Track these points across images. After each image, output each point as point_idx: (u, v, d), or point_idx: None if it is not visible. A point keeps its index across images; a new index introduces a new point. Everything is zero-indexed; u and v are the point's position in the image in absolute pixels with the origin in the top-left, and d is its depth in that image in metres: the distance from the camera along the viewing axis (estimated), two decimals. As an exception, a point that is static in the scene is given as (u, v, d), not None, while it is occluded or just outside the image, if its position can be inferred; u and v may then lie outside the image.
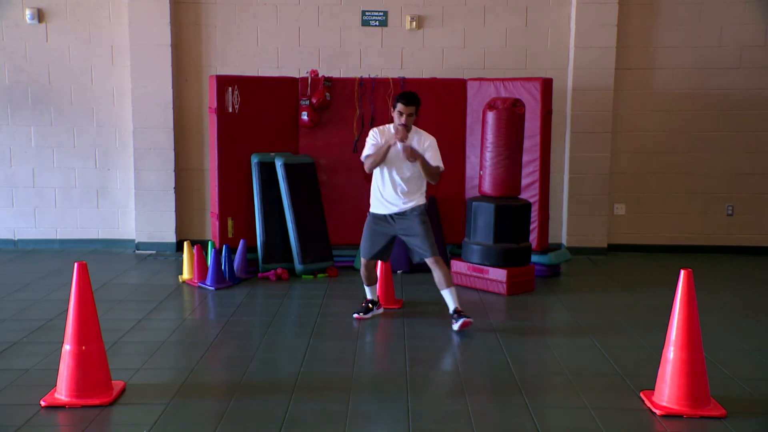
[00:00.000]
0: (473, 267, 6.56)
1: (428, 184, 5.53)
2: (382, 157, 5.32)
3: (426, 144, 5.34)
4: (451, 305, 5.36)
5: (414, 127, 5.40)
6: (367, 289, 5.70)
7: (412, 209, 5.39)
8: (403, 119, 5.27)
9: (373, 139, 5.41)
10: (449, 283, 5.37)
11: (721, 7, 7.92)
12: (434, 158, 5.32)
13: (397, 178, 5.40)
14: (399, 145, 5.28)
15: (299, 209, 7.03)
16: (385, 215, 5.47)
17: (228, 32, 7.92)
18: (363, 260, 5.58)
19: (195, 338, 5.20)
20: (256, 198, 7.05)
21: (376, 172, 5.46)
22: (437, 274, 5.36)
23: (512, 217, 6.46)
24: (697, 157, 8.11)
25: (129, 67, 7.84)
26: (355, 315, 5.60)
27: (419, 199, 5.44)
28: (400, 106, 5.27)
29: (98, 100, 7.99)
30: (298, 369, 4.54)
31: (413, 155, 5.23)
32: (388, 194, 5.43)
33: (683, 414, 3.86)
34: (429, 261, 5.34)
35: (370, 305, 5.69)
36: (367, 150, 5.40)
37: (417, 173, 5.39)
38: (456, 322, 5.27)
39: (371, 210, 5.57)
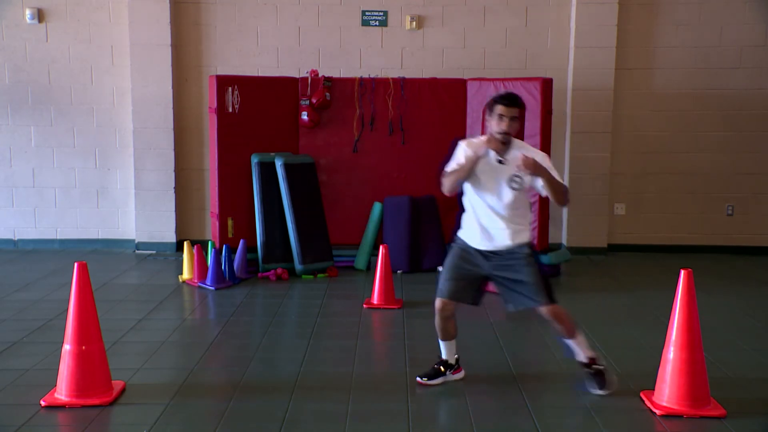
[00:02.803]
0: (473, 267, 6.54)
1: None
2: (466, 173, 4.09)
3: (538, 158, 4.05)
4: (580, 356, 4.22)
5: (515, 140, 4.18)
6: (441, 344, 4.38)
7: (513, 248, 4.15)
8: (504, 125, 4.04)
9: (463, 151, 4.16)
10: (573, 333, 4.20)
11: (721, 7, 7.91)
12: (555, 173, 4.07)
13: (493, 203, 4.14)
14: (491, 154, 4.09)
15: (299, 209, 7.03)
16: (477, 250, 4.23)
17: (228, 32, 7.92)
18: (438, 301, 4.30)
19: (195, 338, 5.20)
20: (256, 198, 7.05)
21: (470, 198, 4.25)
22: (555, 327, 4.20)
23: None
24: (697, 157, 8.11)
25: (129, 67, 7.84)
26: (419, 379, 4.31)
27: (523, 235, 4.19)
28: (500, 108, 4.04)
29: (98, 100, 7.99)
30: (298, 369, 4.54)
31: (534, 167, 3.94)
32: (484, 224, 4.19)
33: (683, 414, 3.86)
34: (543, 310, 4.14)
35: (442, 368, 4.34)
36: (451, 165, 4.19)
37: (522, 200, 4.19)
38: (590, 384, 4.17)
39: (459, 235, 4.37)
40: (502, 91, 4.11)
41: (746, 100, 8.00)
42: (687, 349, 3.88)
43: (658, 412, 3.91)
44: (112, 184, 8.12)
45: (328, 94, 7.28)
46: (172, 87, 7.82)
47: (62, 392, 3.95)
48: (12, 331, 5.19)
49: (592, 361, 4.17)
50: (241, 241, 6.95)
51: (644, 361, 4.69)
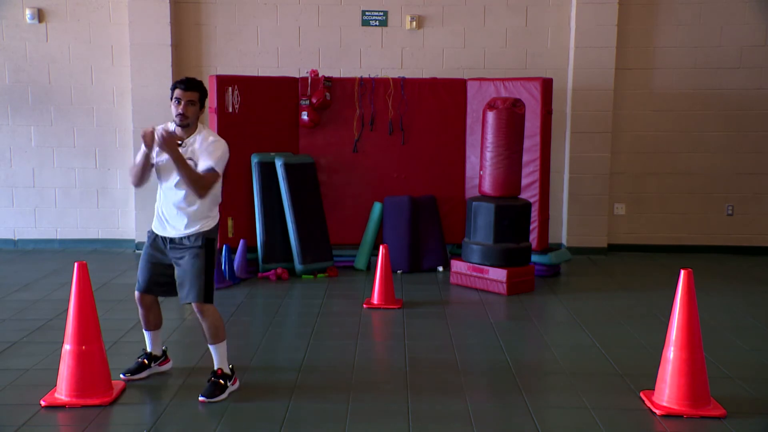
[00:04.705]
0: (473, 267, 6.56)
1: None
2: (142, 159, 4.02)
3: (205, 145, 4.04)
4: (216, 362, 4.14)
5: (203, 127, 4.15)
6: (145, 335, 4.41)
7: (187, 237, 4.06)
8: (180, 108, 4.00)
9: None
10: (213, 339, 4.13)
11: (721, 7, 7.91)
12: (206, 162, 3.98)
13: (168, 187, 4.09)
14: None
15: (299, 209, 7.03)
16: (161, 237, 4.15)
17: (228, 32, 7.92)
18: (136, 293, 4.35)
19: (195, 338, 5.20)
20: (256, 198, 7.05)
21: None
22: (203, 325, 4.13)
23: (512, 217, 6.45)
24: (697, 157, 8.11)
25: (129, 67, 7.84)
26: (123, 375, 4.28)
27: (200, 225, 4.08)
28: (177, 92, 4.03)
29: (98, 100, 7.99)
30: (298, 369, 4.54)
31: (164, 143, 3.85)
32: (163, 209, 4.14)
33: (683, 414, 3.86)
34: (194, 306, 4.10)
35: (146, 360, 4.37)
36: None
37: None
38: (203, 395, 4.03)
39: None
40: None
41: (746, 100, 8.00)
42: (687, 349, 3.88)
43: (658, 412, 3.91)
44: (112, 184, 8.12)
45: (328, 94, 7.28)
46: (172, 87, 7.81)
47: (62, 392, 3.95)
48: (12, 331, 5.19)
49: (220, 371, 4.10)
50: (241, 241, 6.95)
51: (644, 361, 4.69)
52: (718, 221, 8.20)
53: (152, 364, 4.40)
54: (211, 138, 4.07)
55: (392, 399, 4.09)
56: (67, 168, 8.08)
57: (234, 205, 7.11)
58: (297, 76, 7.56)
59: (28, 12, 7.82)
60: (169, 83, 7.76)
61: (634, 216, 8.22)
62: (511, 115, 6.47)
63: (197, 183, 3.93)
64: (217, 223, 4.19)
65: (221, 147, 4.05)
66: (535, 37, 7.93)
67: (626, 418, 3.89)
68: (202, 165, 3.98)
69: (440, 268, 7.26)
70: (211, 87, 7.15)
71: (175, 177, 4.02)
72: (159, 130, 3.88)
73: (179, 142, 4.00)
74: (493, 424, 3.82)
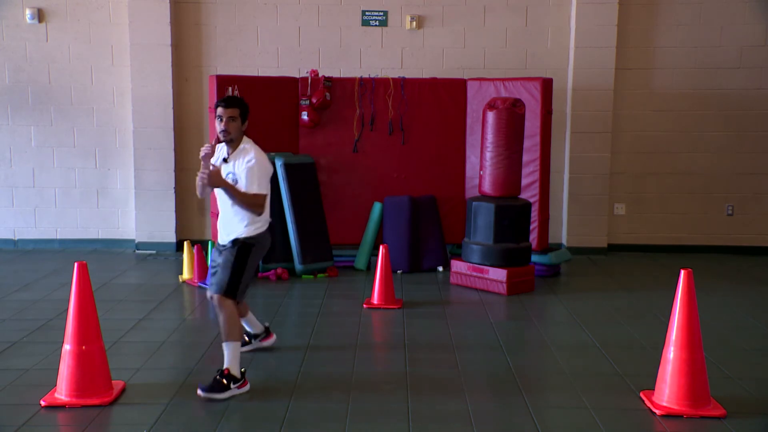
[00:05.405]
0: (473, 267, 6.56)
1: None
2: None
3: (245, 162, 4.30)
4: (226, 361, 4.18)
5: (247, 140, 4.45)
6: (242, 322, 4.62)
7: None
8: (222, 125, 4.32)
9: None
10: (226, 336, 4.21)
11: (721, 7, 7.91)
12: (250, 182, 4.26)
13: (220, 200, 4.41)
14: (220, 154, 4.43)
15: (299, 209, 7.02)
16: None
17: (228, 32, 7.92)
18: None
19: (195, 338, 5.20)
20: (256, 198, 7.04)
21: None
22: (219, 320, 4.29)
23: (512, 216, 6.45)
24: (697, 157, 8.11)
25: (129, 67, 7.84)
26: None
27: (238, 231, 4.34)
28: (219, 110, 4.35)
29: (98, 100, 7.99)
30: (298, 369, 4.54)
31: (212, 180, 4.19)
32: (219, 220, 4.48)
33: (683, 414, 3.86)
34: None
35: (246, 338, 4.84)
36: None
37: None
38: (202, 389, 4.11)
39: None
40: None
41: (746, 100, 8.00)
42: (687, 349, 3.88)
43: (658, 412, 3.91)
44: (112, 184, 8.12)
45: (328, 94, 7.28)
46: (172, 87, 7.82)
47: (62, 392, 3.95)
48: (12, 331, 5.19)
49: (227, 371, 4.12)
50: (241, 241, 6.94)
51: (644, 361, 4.69)
52: (718, 221, 8.20)
53: (253, 341, 4.85)
54: (248, 157, 4.29)
55: (392, 399, 4.09)
56: (67, 168, 8.08)
57: (234, 205, 7.11)
58: (297, 76, 7.56)
59: (28, 12, 7.82)
60: (169, 83, 7.79)
61: (634, 216, 8.22)
62: (511, 115, 6.47)
63: (252, 206, 4.26)
64: (259, 230, 4.37)
65: (259, 168, 4.28)
66: (535, 37, 7.93)
67: (626, 418, 3.89)
68: (249, 189, 4.25)
69: (440, 268, 7.26)
70: (211, 87, 7.15)
71: (222, 193, 4.32)
72: (204, 149, 4.23)
73: (225, 157, 4.34)
74: (493, 424, 3.82)
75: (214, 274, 4.44)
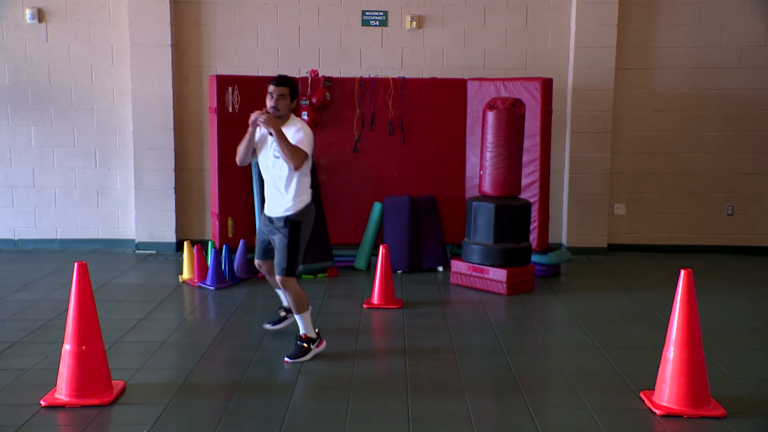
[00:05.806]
0: (473, 267, 6.56)
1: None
2: (249, 138, 4.68)
3: (294, 129, 4.63)
4: (302, 329, 4.76)
5: (294, 117, 4.71)
6: (278, 293, 5.18)
7: (280, 218, 4.68)
8: (272, 101, 4.60)
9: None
10: (296, 310, 4.73)
11: (721, 7, 7.91)
12: (300, 142, 4.58)
13: (266, 171, 4.76)
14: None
15: (299, 209, 7.02)
16: (266, 216, 4.82)
17: (228, 32, 7.92)
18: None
19: (195, 338, 5.20)
20: (256, 198, 7.05)
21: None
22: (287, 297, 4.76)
23: (512, 216, 6.46)
24: (697, 157, 8.11)
25: (129, 67, 7.84)
26: (266, 325, 5.22)
27: (289, 206, 4.66)
28: (270, 87, 4.62)
29: (98, 100, 7.99)
30: (298, 369, 4.54)
31: (268, 122, 4.51)
32: (265, 191, 4.82)
33: (683, 414, 3.86)
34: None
35: (284, 312, 5.23)
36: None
37: (289, 169, 4.62)
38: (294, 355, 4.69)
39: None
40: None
41: (746, 100, 8.00)
42: (687, 349, 3.88)
43: (658, 412, 3.91)
44: (112, 184, 8.12)
45: (328, 94, 7.28)
46: (172, 87, 7.82)
47: (62, 392, 3.95)
48: (12, 331, 5.19)
49: (305, 337, 4.71)
50: (241, 241, 6.95)
51: (644, 361, 4.69)
52: (718, 221, 8.20)
53: (289, 315, 5.14)
54: (295, 127, 4.62)
55: (392, 399, 4.09)
56: (67, 168, 8.08)
57: (234, 205, 7.12)
58: (297, 76, 7.55)
59: (28, 12, 7.82)
60: (170, 83, 7.79)
61: (634, 216, 8.22)
62: (511, 115, 6.47)
63: (293, 157, 4.50)
64: (307, 206, 4.69)
65: (306, 135, 4.61)
66: (535, 37, 7.93)
67: (626, 418, 3.89)
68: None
69: (440, 268, 7.26)
70: (210, 87, 7.15)
71: (271, 157, 4.63)
72: (256, 113, 4.55)
73: (270, 131, 4.58)
74: (493, 424, 3.82)
75: (262, 241, 4.83)
